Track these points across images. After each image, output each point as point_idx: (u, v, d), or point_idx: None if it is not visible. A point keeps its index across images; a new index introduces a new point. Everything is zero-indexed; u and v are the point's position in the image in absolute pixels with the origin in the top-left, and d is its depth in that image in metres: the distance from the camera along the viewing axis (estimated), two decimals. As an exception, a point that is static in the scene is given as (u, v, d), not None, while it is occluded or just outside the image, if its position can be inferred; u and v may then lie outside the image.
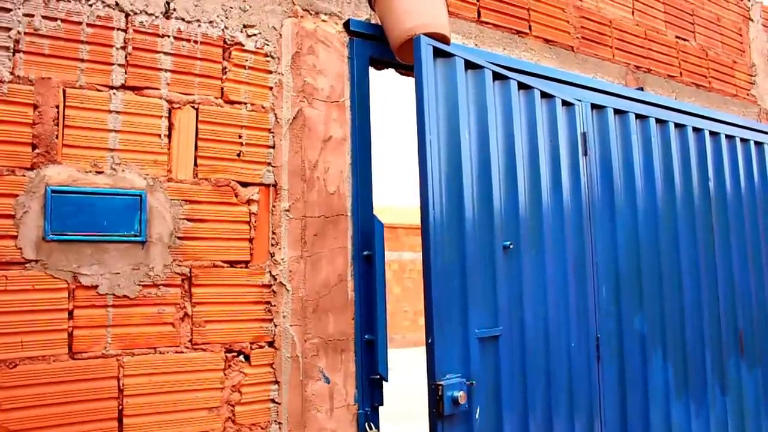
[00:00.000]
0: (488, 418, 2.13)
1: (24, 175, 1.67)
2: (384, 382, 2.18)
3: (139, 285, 1.79)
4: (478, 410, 2.07)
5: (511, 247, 2.26)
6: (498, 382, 2.15)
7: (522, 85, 2.44)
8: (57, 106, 1.73)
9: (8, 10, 1.70)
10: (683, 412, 2.95)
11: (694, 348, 3.05)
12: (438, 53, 2.11)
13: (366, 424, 2.10)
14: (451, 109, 2.12)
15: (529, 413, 2.29)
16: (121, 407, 1.73)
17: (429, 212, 1.95)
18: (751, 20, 4.02)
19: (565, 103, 2.68)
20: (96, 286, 1.73)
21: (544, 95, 2.55)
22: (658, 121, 3.13)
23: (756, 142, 3.63)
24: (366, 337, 2.14)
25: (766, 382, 3.41)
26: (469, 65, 2.21)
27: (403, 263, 18.60)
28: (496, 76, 2.32)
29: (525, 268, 2.32)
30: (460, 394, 1.94)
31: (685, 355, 3.01)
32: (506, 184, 2.27)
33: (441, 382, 1.92)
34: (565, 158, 2.59)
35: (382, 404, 2.16)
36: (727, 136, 3.45)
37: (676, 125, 3.20)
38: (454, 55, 2.14)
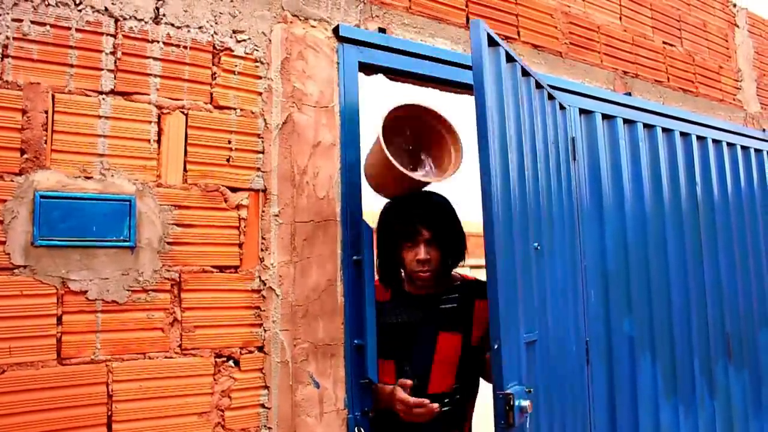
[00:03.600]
0: (543, 427, 2.12)
1: (12, 180, 1.67)
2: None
3: (128, 290, 1.79)
4: (539, 419, 2.04)
5: (538, 248, 2.25)
6: (536, 389, 2.12)
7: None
8: (46, 111, 1.73)
9: (-4, 16, 1.70)
10: (672, 414, 2.97)
11: (682, 351, 3.07)
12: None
13: (356, 428, 2.10)
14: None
15: (566, 416, 2.30)
16: (110, 413, 1.73)
17: (493, 216, 1.93)
18: (737, 26, 4.07)
19: (561, 107, 2.70)
20: (85, 292, 1.73)
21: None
22: (646, 125, 3.16)
23: (742, 147, 3.68)
24: (355, 341, 2.15)
25: (754, 385, 3.44)
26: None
27: (393, 268, 18.53)
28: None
29: (546, 270, 2.32)
30: (528, 403, 1.87)
31: (673, 358, 3.03)
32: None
33: (510, 391, 1.85)
34: (558, 163, 2.61)
35: (371, 409, 2.16)
36: (714, 141, 3.49)
37: (664, 130, 3.24)
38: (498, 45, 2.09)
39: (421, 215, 2.26)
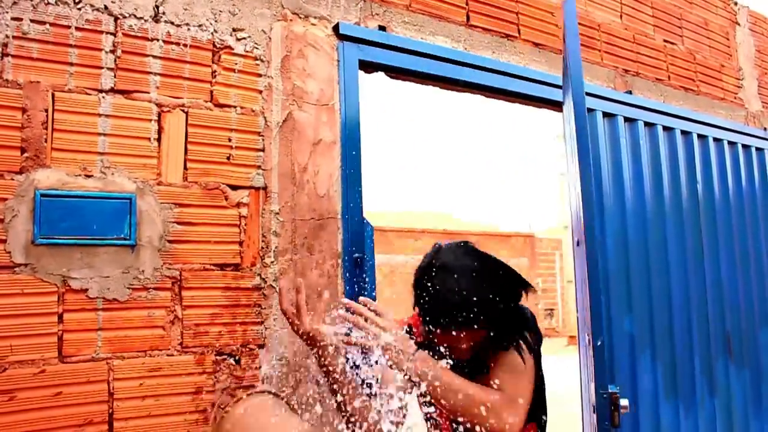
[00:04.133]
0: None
1: (13, 179, 1.67)
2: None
3: (129, 288, 1.79)
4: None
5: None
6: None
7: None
8: (46, 110, 1.73)
9: (-3, 14, 1.70)
10: (672, 413, 2.97)
11: (682, 350, 3.07)
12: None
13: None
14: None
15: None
16: (111, 411, 1.73)
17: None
18: (738, 24, 4.06)
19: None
20: (86, 290, 1.73)
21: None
22: (647, 124, 3.16)
23: (743, 145, 3.67)
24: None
25: (755, 385, 3.44)
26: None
27: (393, 266, 18.62)
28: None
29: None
30: (626, 402, 1.79)
31: (673, 356, 3.03)
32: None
33: (615, 391, 1.76)
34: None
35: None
36: (715, 139, 3.49)
37: (665, 128, 3.24)
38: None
39: (450, 312, 1.76)
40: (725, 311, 3.35)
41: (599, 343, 1.81)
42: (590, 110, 2.95)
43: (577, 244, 1.93)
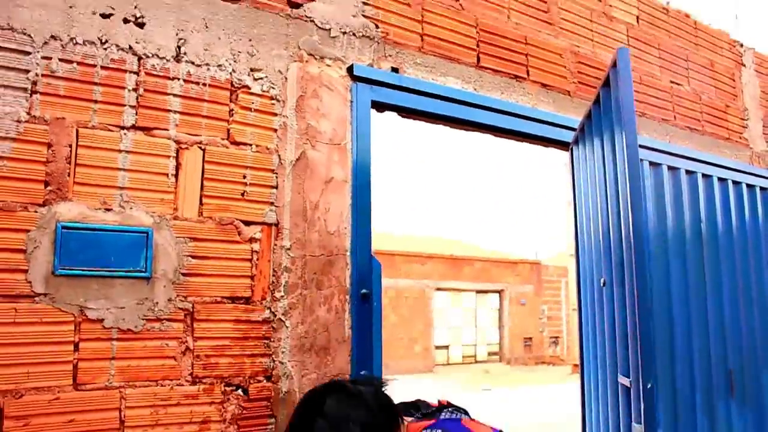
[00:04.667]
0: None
1: (36, 212, 1.74)
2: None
3: (143, 319, 1.85)
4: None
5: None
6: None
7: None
8: (70, 145, 1.80)
9: (27, 53, 1.78)
10: (673, 451, 2.99)
11: (683, 386, 3.09)
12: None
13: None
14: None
15: None
16: (121, 439, 1.78)
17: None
18: (744, 65, 4.13)
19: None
20: (102, 320, 1.79)
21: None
22: (652, 164, 3.21)
23: (748, 185, 3.71)
24: (362, 373, 2.19)
25: (756, 424, 3.44)
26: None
27: (399, 290, 18.64)
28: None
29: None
30: None
31: (674, 393, 3.05)
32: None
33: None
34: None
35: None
36: (720, 179, 3.53)
37: (669, 168, 3.29)
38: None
39: None
40: (727, 349, 3.36)
41: (649, 386, 1.82)
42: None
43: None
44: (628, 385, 2.04)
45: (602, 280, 2.40)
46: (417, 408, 1.81)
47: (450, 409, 1.80)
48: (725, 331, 3.37)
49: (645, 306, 1.88)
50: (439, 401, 1.86)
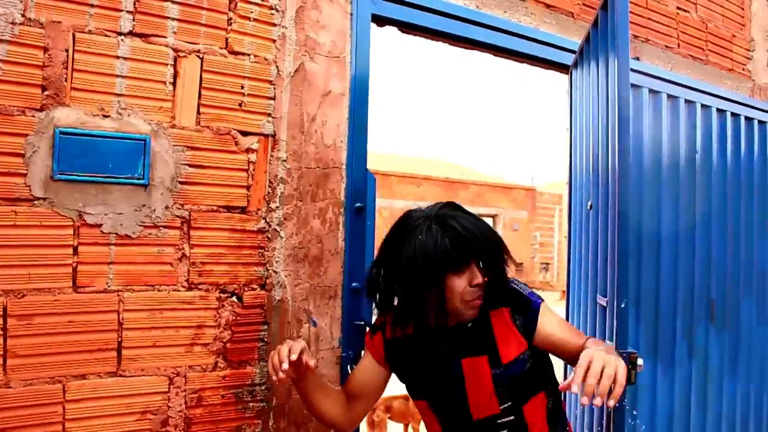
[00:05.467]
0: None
1: (34, 116, 1.74)
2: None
3: (140, 225, 1.88)
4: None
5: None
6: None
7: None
8: (66, 50, 1.79)
9: (21, -48, 1.74)
10: (650, 371, 3.11)
11: (666, 314, 3.18)
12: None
13: (348, 366, 2.23)
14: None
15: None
16: (120, 339, 1.85)
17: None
18: (754, -6, 4.04)
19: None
20: (100, 225, 1.82)
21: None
22: (652, 91, 3.20)
23: (746, 117, 3.70)
24: (353, 285, 2.25)
25: (732, 345, 3.56)
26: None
27: (394, 211, 18.75)
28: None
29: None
30: (642, 362, 1.89)
31: (656, 319, 3.14)
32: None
33: (634, 351, 1.87)
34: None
35: (364, 349, 2.27)
36: (719, 110, 3.52)
37: (669, 96, 3.27)
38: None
39: (464, 239, 1.66)
40: (711, 280, 3.44)
41: (623, 305, 1.89)
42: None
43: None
44: (605, 305, 2.11)
45: (589, 204, 2.43)
46: None
47: None
48: (711, 263, 3.44)
49: (625, 228, 1.93)
50: None
